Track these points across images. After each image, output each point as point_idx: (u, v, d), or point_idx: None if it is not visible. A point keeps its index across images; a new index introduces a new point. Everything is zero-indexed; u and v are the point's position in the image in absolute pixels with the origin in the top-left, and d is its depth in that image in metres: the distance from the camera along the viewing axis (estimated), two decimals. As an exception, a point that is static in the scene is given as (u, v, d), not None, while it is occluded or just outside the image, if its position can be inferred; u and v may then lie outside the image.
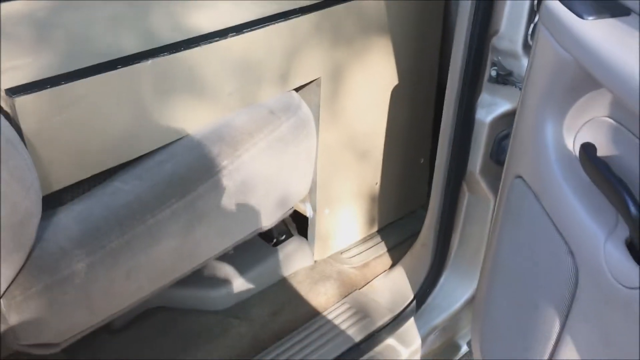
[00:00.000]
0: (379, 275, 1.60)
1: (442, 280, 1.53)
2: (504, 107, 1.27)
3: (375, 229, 1.71)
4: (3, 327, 0.98)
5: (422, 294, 1.53)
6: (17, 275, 0.96)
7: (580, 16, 0.81)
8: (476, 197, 1.41)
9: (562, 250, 0.90)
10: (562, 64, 0.86)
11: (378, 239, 1.71)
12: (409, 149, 1.66)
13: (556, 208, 0.92)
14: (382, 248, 1.68)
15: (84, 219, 1.01)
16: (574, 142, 0.92)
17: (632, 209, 0.76)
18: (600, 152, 0.87)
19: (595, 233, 0.84)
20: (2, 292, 0.95)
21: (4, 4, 1.20)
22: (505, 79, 1.24)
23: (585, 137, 0.90)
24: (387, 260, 1.65)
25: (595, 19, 0.80)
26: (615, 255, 0.81)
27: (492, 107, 1.28)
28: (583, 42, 0.79)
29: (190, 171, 1.09)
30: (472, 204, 1.42)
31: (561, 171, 0.92)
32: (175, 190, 1.07)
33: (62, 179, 1.01)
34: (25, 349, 1.04)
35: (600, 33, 0.79)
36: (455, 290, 1.52)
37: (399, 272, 1.59)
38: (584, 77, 0.83)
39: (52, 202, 1.05)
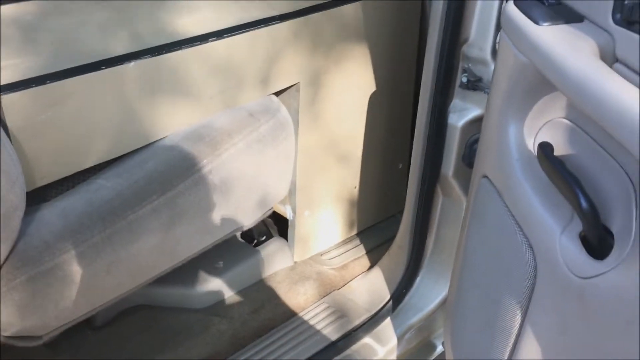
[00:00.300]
0: (357, 277, 1.64)
1: (417, 280, 1.57)
2: (474, 112, 1.32)
3: (355, 231, 1.76)
4: (-13, 318, 1.01)
5: (399, 294, 1.57)
6: (0, 267, 0.99)
7: (536, 22, 0.86)
8: (450, 200, 1.46)
9: (522, 244, 0.95)
10: (521, 68, 0.91)
11: (357, 241, 1.75)
12: (388, 154, 1.71)
13: (517, 205, 0.97)
14: (361, 250, 1.72)
15: (67, 214, 1.05)
16: (534, 142, 0.97)
17: (584, 203, 0.81)
18: (558, 152, 0.92)
19: (552, 227, 0.89)
20: (-14, 284, 0.99)
21: (-7, 8, 1.25)
22: (475, 85, 1.29)
23: (545, 137, 0.95)
24: (365, 262, 1.69)
25: (550, 25, 0.85)
26: (570, 248, 0.86)
27: (463, 112, 1.33)
28: (538, 47, 0.84)
29: (170, 169, 1.13)
30: (447, 206, 1.47)
31: (522, 170, 0.97)
32: (156, 187, 1.12)
33: (46, 176, 1.05)
34: (8, 341, 1.07)
35: (554, 38, 0.84)
36: (431, 291, 1.56)
37: (377, 273, 1.63)
38: (542, 80, 0.88)
39: (37, 198, 1.09)
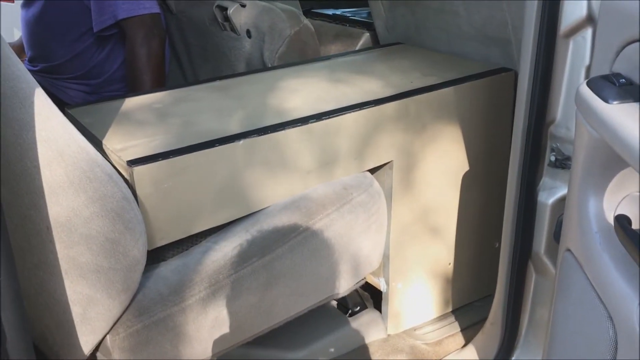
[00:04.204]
0: (451, 353, 1.65)
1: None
2: (564, 190, 1.35)
3: (450, 309, 1.78)
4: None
5: (493, 373, 1.55)
6: (122, 315, 1.15)
7: (606, 100, 0.91)
8: (544, 278, 1.46)
9: (602, 316, 0.96)
10: (595, 144, 0.96)
11: (452, 318, 1.76)
12: (483, 233, 1.74)
13: (598, 277, 0.99)
14: (455, 327, 1.73)
15: (179, 271, 1.20)
16: (614, 215, 1.00)
17: (657, 273, 0.82)
18: (638, 225, 0.94)
19: (631, 298, 0.90)
20: (109, 329, 1.14)
21: (133, 98, 1.49)
22: (563, 163, 1.33)
23: (624, 210, 0.98)
24: (460, 340, 1.70)
25: (619, 103, 0.91)
26: (647, 318, 0.86)
27: (553, 190, 1.36)
28: (607, 124, 0.90)
29: (270, 235, 1.26)
30: (540, 284, 1.47)
31: (601, 242, 0.99)
32: (256, 251, 1.24)
33: (164, 237, 1.21)
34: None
35: (622, 116, 0.89)
36: (527, 371, 1.54)
37: (470, 351, 1.63)
38: (616, 156, 0.92)
39: (157, 259, 1.25)
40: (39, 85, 0.97)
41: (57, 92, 2.13)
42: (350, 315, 1.64)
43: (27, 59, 2.22)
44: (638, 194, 0.95)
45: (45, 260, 1.01)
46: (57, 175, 0.98)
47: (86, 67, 2.11)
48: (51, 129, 0.96)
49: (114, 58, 2.11)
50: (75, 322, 1.07)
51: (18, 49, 2.30)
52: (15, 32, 2.94)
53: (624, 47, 0.94)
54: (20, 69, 0.94)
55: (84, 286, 1.05)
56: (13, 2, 2.74)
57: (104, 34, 2.04)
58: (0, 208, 0.79)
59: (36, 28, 2.12)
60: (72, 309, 1.06)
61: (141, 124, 1.33)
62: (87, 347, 1.11)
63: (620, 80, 0.93)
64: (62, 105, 1.26)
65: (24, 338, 0.89)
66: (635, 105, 0.90)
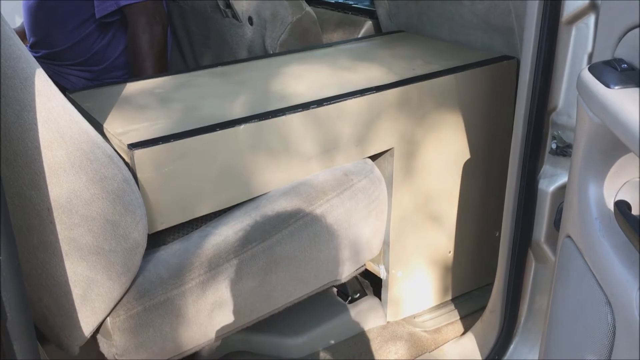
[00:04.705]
0: (450, 341, 1.66)
1: (511, 348, 1.55)
2: (565, 177, 1.34)
3: (449, 297, 1.78)
4: (107, 342, 1.16)
5: (491, 361, 1.56)
6: (122, 297, 1.15)
7: (607, 85, 0.91)
8: (544, 266, 1.46)
9: (601, 301, 0.96)
10: (596, 130, 0.96)
11: (452, 306, 1.77)
12: (483, 222, 1.74)
13: (597, 263, 0.99)
14: (455, 315, 1.73)
15: (180, 255, 1.20)
16: (614, 202, 1.00)
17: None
18: (638, 211, 0.94)
19: (630, 283, 0.90)
20: (110, 311, 1.14)
21: (134, 83, 1.49)
22: (564, 151, 1.33)
23: (624, 196, 0.98)
24: (459, 327, 1.70)
25: (621, 88, 0.90)
26: (646, 304, 0.86)
27: (553, 177, 1.36)
28: (608, 108, 0.89)
29: (270, 220, 1.26)
30: (540, 272, 1.47)
31: (601, 228, 0.99)
32: (256, 236, 1.24)
33: (165, 221, 1.21)
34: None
35: (624, 100, 0.88)
36: (526, 358, 1.54)
37: (469, 339, 1.63)
38: (617, 141, 0.92)
39: (158, 242, 1.25)
40: (39, 66, 0.97)
41: (59, 78, 2.13)
42: (350, 302, 1.65)
43: (28, 45, 2.22)
44: (638, 179, 0.95)
45: (46, 241, 1.02)
46: (58, 157, 0.98)
47: (88, 54, 2.11)
48: (52, 109, 0.96)
49: (115, 45, 2.11)
50: (75, 304, 1.07)
51: (20, 35, 2.29)
52: (17, 19, 2.94)
53: (625, 33, 0.94)
54: (21, 49, 0.94)
55: (84, 268, 1.06)
56: (15, -12, 2.73)
57: (106, 21, 2.03)
58: (1, 188, 0.79)
59: (38, 14, 2.12)
60: (72, 291, 1.06)
61: (142, 108, 1.33)
62: (87, 329, 1.12)
63: (622, 66, 0.93)
64: (64, 92, 1.26)
65: (24, 318, 0.90)
66: (636, 90, 0.90)
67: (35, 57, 2.15)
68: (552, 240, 1.40)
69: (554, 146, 1.34)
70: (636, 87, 0.90)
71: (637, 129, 0.83)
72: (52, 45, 2.12)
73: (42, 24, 2.12)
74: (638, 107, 0.87)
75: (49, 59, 2.14)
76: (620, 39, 0.96)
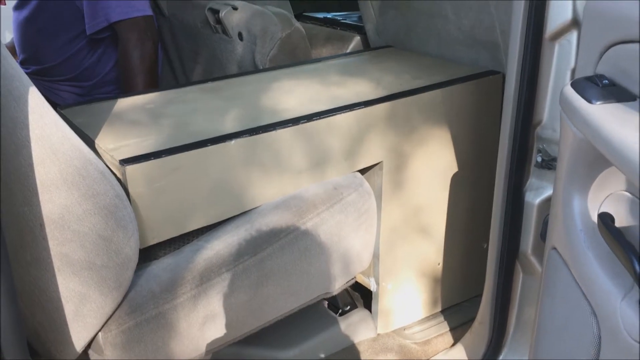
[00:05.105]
0: (440, 352, 1.67)
1: (500, 359, 1.57)
2: (550, 190, 1.37)
3: (439, 309, 1.80)
4: (99, 357, 1.17)
5: (480, 372, 1.57)
6: (114, 312, 1.15)
7: (589, 101, 0.94)
8: (531, 278, 1.48)
9: (586, 312, 0.98)
10: (579, 144, 0.98)
11: (441, 318, 1.78)
12: (472, 234, 1.76)
13: (582, 274, 1.01)
14: (444, 327, 1.75)
15: (171, 269, 1.21)
16: (597, 214, 1.02)
17: (638, 269, 0.85)
18: (621, 223, 0.96)
19: (614, 294, 0.92)
20: (101, 326, 1.15)
21: (125, 98, 1.50)
22: (549, 164, 1.35)
23: (607, 209, 1.00)
24: (449, 339, 1.72)
25: (602, 104, 0.93)
26: (629, 314, 0.88)
27: (539, 190, 1.39)
28: (590, 124, 0.92)
29: (261, 234, 1.27)
30: (528, 284, 1.49)
31: (586, 240, 1.01)
32: (248, 249, 1.25)
33: (156, 236, 1.22)
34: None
35: (605, 115, 0.91)
36: (515, 370, 1.56)
37: (459, 350, 1.65)
38: (600, 156, 0.95)
39: (149, 257, 1.26)
40: (32, 84, 0.98)
41: (49, 94, 2.14)
42: (341, 315, 1.66)
43: (19, 61, 2.23)
44: (623, 192, 0.97)
45: (39, 257, 1.02)
46: (51, 173, 0.99)
47: (78, 70, 2.12)
48: (45, 126, 0.98)
49: (105, 60, 2.12)
50: (67, 319, 1.08)
51: (10, 51, 2.30)
52: (7, 35, 2.95)
53: (607, 49, 0.97)
54: (14, 68, 0.95)
55: (76, 283, 1.06)
56: (5, 4, 2.74)
57: (96, 37, 2.05)
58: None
59: (28, 30, 2.13)
60: (64, 306, 1.07)
61: (133, 124, 1.34)
62: (79, 344, 1.12)
63: (604, 81, 0.96)
64: (55, 107, 1.27)
65: (17, 335, 0.90)
66: (617, 105, 0.92)
67: (25, 73, 2.18)
68: (539, 251, 1.43)
69: (539, 159, 1.37)
70: (617, 102, 0.93)
71: (617, 143, 0.86)
72: (42, 61, 2.13)
73: (32, 40, 2.13)
74: (618, 122, 0.89)
75: (40, 75, 2.15)
76: (601, 55, 0.99)
